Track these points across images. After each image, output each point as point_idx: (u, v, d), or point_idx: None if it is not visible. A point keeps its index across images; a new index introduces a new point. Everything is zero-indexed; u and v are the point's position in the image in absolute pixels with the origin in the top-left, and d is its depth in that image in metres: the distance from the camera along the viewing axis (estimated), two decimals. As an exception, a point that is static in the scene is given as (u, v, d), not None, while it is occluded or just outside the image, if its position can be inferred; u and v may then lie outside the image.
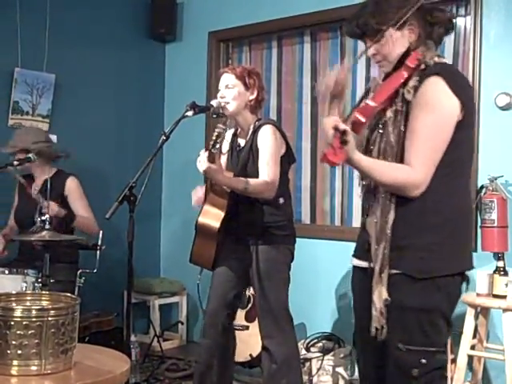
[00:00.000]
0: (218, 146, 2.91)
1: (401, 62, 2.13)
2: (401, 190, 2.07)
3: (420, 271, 2.04)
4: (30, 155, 3.79)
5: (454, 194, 2.10)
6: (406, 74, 2.10)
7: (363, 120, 2.06)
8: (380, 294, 2.07)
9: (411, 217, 2.08)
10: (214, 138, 2.91)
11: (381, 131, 2.15)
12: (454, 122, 2.04)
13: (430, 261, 2.05)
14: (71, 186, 3.91)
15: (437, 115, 2.04)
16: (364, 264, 2.20)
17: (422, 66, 2.09)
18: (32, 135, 3.91)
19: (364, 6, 2.18)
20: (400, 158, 2.09)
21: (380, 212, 2.12)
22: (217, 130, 2.92)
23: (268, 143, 3.06)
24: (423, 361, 2.02)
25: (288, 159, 3.19)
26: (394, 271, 2.07)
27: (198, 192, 3.20)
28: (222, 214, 3.07)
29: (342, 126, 1.95)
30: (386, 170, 2.08)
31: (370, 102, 2.08)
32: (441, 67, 2.09)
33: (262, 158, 3.06)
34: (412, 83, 2.08)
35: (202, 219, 3.10)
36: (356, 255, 2.31)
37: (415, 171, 2.04)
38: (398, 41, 2.14)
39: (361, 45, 4.39)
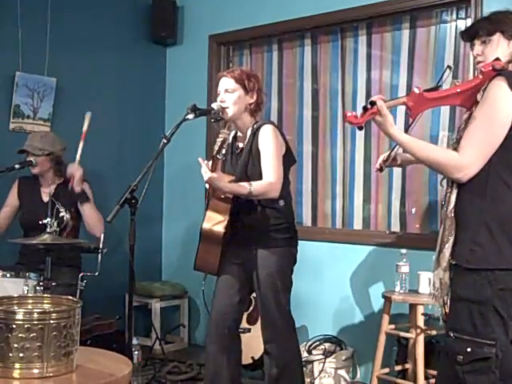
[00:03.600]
0: (223, 151, 2.90)
1: None
2: (442, 170, 2.28)
3: (469, 262, 2.19)
4: (32, 159, 3.80)
5: None
6: (475, 82, 2.29)
7: (409, 103, 2.33)
8: (439, 275, 2.29)
9: (471, 213, 2.23)
10: (219, 143, 2.88)
11: (462, 131, 2.33)
12: (508, 121, 2.16)
13: (479, 253, 2.18)
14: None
15: (491, 110, 2.19)
16: None
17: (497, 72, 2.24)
18: (58, 142, 3.92)
19: (485, 16, 2.45)
20: None
21: (446, 200, 2.32)
22: (221, 135, 2.90)
23: (269, 142, 3.05)
24: (468, 349, 2.14)
25: (288, 160, 3.18)
26: (453, 261, 2.25)
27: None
28: (225, 219, 3.06)
29: (378, 101, 2.28)
30: (427, 148, 2.31)
31: (420, 91, 2.33)
32: (508, 71, 2.24)
33: (264, 157, 3.05)
34: (483, 86, 2.24)
35: (206, 225, 3.07)
36: None
37: (460, 155, 2.20)
38: (500, 48, 2.34)
39: (361, 47, 4.44)
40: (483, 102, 2.21)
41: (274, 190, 3.01)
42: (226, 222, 3.05)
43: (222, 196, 3.04)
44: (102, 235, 3.45)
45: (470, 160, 2.19)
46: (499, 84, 2.17)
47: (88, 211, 3.82)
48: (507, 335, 2.17)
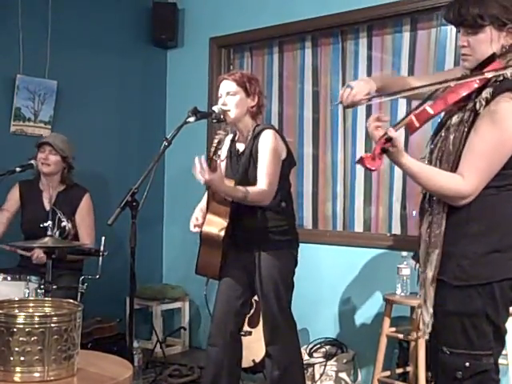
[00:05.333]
0: (219, 152, 2.90)
1: (481, 66, 2.09)
2: (447, 198, 2.10)
3: (457, 278, 2.07)
4: (33, 162, 3.79)
5: (502, 204, 2.10)
6: (477, 85, 2.06)
7: (417, 125, 2.06)
8: (427, 289, 2.13)
9: (457, 224, 2.11)
10: (215, 144, 2.90)
11: (443, 136, 2.16)
12: None
13: (468, 268, 2.07)
14: (85, 204, 3.93)
15: (499, 132, 2.02)
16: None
17: (500, 78, 2.05)
18: (73, 151, 3.94)
19: None
20: (456, 167, 2.09)
21: (434, 216, 2.14)
22: (217, 136, 2.92)
23: (268, 148, 3.06)
24: (467, 364, 2.05)
25: (289, 163, 3.19)
26: (440, 277, 2.12)
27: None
28: (225, 223, 3.06)
29: (393, 133, 1.99)
30: (434, 177, 2.09)
31: (429, 109, 2.06)
32: None
33: (260, 163, 3.05)
34: (485, 94, 2.05)
35: (206, 229, 3.08)
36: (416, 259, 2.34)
37: (465, 183, 2.05)
38: (492, 40, 2.09)
39: (362, 49, 4.44)
40: (490, 122, 2.02)
41: (266, 198, 3.03)
42: (226, 226, 3.06)
43: (221, 198, 3.04)
44: (103, 238, 3.44)
45: (475, 189, 2.05)
46: (510, 104, 2.00)
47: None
48: (499, 343, 2.12)
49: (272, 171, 3.04)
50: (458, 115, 2.12)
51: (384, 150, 2.00)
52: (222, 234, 3.04)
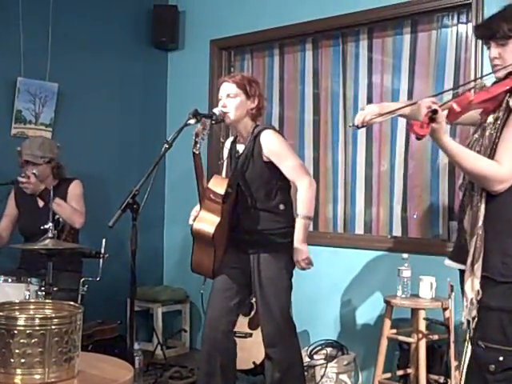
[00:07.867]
0: (198, 145, 2.89)
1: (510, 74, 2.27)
2: (484, 181, 2.22)
3: (503, 275, 2.16)
4: (35, 171, 3.77)
5: None
6: (509, 85, 2.24)
7: (458, 109, 2.21)
8: (473, 285, 2.20)
9: (499, 221, 2.21)
10: (193, 137, 2.90)
11: (478, 135, 2.31)
12: None
13: None
14: (73, 188, 3.91)
15: None
16: (454, 265, 2.38)
17: None
18: (53, 145, 3.93)
19: (500, 12, 2.33)
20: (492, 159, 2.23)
21: (473, 208, 2.26)
22: (196, 130, 2.90)
23: (279, 146, 3.08)
24: (500, 358, 2.12)
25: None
26: (484, 273, 2.20)
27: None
28: (217, 220, 3.03)
29: (434, 106, 2.14)
30: (472, 159, 2.22)
31: (470, 96, 2.23)
32: None
33: (283, 163, 3.07)
34: None
35: (196, 225, 3.05)
36: (451, 257, 2.44)
37: (501, 166, 2.17)
38: None
39: (362, 52, 4.45)
40: None
41: (312, 187, 3.10)
42: (217, 222, 3.03)
43: (212, 196, 3.03)
44: (104, 240, 3.44)
45: (511, 173, 2.19)
46: None
47: (56, 208, 3.69)
48: None
49: (297, 163, 3.09)
50: (493, 115, 2.27)
51: (431, 119, 2.14)
52: (211, 231, 3.01)
